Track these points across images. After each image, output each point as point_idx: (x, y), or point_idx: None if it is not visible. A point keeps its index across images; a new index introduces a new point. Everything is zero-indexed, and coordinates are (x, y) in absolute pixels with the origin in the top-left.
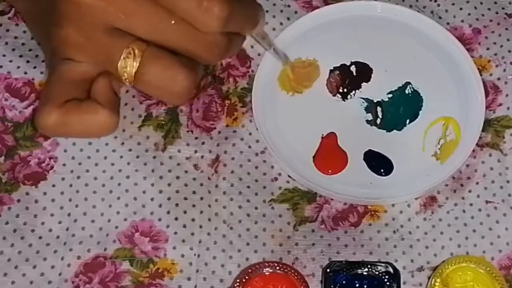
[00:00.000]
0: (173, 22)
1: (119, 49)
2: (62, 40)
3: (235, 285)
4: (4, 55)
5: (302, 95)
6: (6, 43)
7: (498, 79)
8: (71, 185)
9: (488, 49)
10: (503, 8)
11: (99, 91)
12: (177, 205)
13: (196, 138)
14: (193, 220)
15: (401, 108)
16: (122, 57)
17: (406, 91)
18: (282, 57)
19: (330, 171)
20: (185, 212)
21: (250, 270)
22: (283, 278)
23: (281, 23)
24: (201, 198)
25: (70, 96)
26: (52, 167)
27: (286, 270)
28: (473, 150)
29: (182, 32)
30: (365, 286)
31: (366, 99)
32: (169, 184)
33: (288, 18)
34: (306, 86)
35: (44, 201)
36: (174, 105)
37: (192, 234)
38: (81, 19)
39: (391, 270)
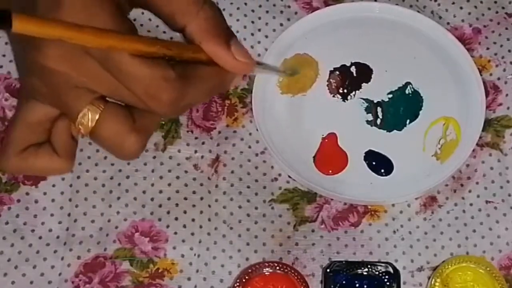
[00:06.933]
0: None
1: (79, 106)
2: (28, 85)
3: (235, 285)
4: (4, 55)
5: (302, 96)
6: (6, 43)
7: (498, 79)
8: (71, 185)
9: (488, 48)
10: (503, 8)
11: (57, 136)
12: (177, 205)
13: (196, 138)
14: (193, 220)
15: (401, 108)
16: (82, 113)
17: (406, 91)
18: (277, 73)
19: (330, 171)
20: (185, 212)
21: (250, 270)
22: (283, 278)
23: (281, 24)
24: (201, 198)
25: (30, 142)
26: None
27: (286, 270)
28: (473, 150)
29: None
30: (365, 286)
31: (366, 100)
32: (169, 184)
33: (288, 19)
34: (304, 87)
35: (44, 201)
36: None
37: (192, 234)
38: (46, 77)
39: (391, 270)
